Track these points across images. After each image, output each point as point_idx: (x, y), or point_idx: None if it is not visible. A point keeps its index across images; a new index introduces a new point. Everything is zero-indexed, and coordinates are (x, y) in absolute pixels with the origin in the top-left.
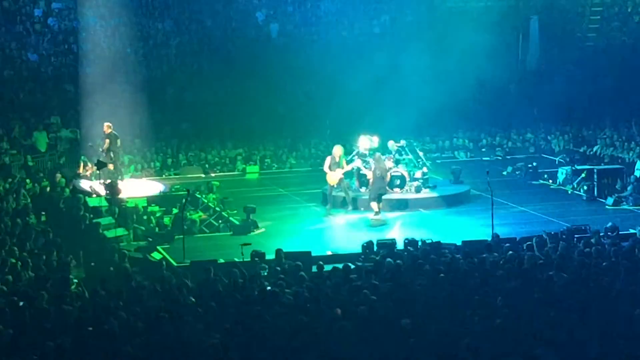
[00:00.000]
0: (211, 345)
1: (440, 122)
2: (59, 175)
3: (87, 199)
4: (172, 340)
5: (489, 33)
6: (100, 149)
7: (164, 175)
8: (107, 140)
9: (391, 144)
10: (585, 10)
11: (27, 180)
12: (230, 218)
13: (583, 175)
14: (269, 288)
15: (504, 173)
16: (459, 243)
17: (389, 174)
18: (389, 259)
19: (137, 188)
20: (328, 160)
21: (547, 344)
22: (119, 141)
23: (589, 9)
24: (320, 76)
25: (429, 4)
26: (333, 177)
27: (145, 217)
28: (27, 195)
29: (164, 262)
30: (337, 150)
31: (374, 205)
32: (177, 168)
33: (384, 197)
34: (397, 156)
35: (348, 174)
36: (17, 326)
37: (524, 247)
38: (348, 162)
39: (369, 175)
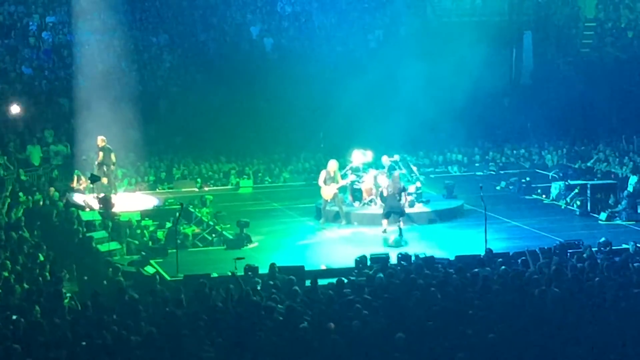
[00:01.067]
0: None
1: (434, 137)
2: (52, 189)
3: (81, 212)
4: (165, 354)
5: (482, 48)
6: (96, 162)
7: (157, 189)
8: (100, 153)
9: (385, 159)
10: (579, 25)
11: (20, 194)
12: (224, 232)
13: (576, 190)
14: (262, 302)
15: (498, 188)
16: (452, 258)
17: (404, 194)
18: (381, 274)
19: (131, 202)
20: (323, 174)
21: (540, 359)
22: (113, 155)
23: (583, 24)
24: (314, 90)
25: (423, 18)
26: (328, 191)
27: (138, 231)
28: (21, 209)
29: (157, 276)
30: (332, 164)
31: (384, 222)
32: (171, 182)
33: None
34: (390, 171)
35: (342, 189)
36: (10, 340)
37: (518, 262)
38: (342, 177)
39: (383, 189)
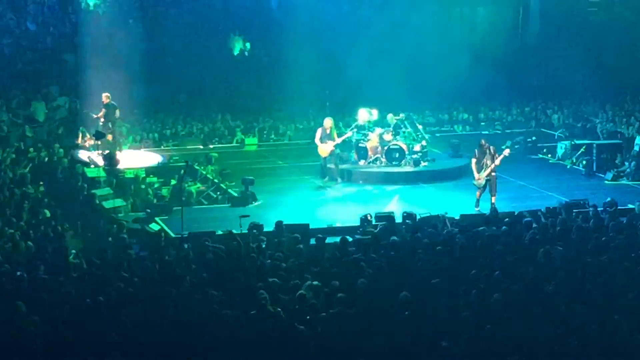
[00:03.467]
0: (209, 315)
1: (440, 96)
2: (57, 146)
3: (86, 169)
4: (170, 311)
5: (489, 7)
6: (95, 116)
7: (162, 146)
8: (103, 110)
9: (390, 117)
10: None
11: (31, 150)
12: (229, 190)
13: (582, 149)
14: (268, 260)
15: (503, 147)
16: (457, 217)
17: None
18: (386, 233)
19: (136, 159)
20: (319, 132)
21: (544, 319)
22: (117, 111)
23: None
24: (320, 48)
25: None
26: (324, 149)
27: (143, 187)
28: (25, 165)
29: (162, 234)
30: (328, 122)
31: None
32: (176, 139)
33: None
34: (396, 129)
35: (348, 146)
36: (15, 296)
37: (523, 222)
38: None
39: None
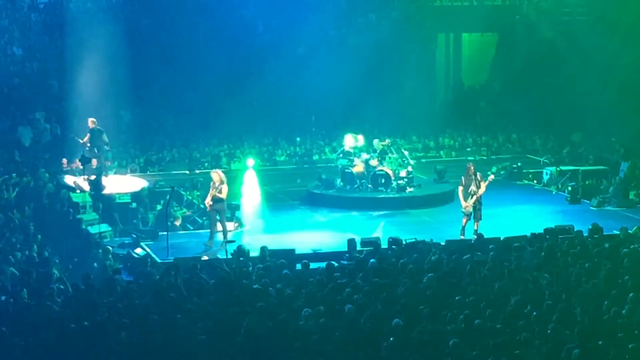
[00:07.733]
0: (196, 341)
1: (426, 121)
2: (43, 170)
3: (71, 194)
4: (156, 337)
5: (475, 33)
6: (81, 141)
7: (148, 172)
8: (87, 135)
9: (376, 143)
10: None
11: (14, 175)
12: None
13: (567, 176)
14: (254, 286)
15: (489, 173)
16: (442, 242)
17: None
18: (372, 259)
19: (122, 184)
20: (212, 185)
21: (529, 344)
22: (104, 136)
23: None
24: (306, 73)
25: (416, 2)
26: (207, 201)
27: (129, 213)
28: (11, 189)
29: (148, 259)
30: (215, 175)
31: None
32: (162, 164)
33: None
34: (382, 155)
35: (333, 172)
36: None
37: (509, 248)
38: (335, 161)
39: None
